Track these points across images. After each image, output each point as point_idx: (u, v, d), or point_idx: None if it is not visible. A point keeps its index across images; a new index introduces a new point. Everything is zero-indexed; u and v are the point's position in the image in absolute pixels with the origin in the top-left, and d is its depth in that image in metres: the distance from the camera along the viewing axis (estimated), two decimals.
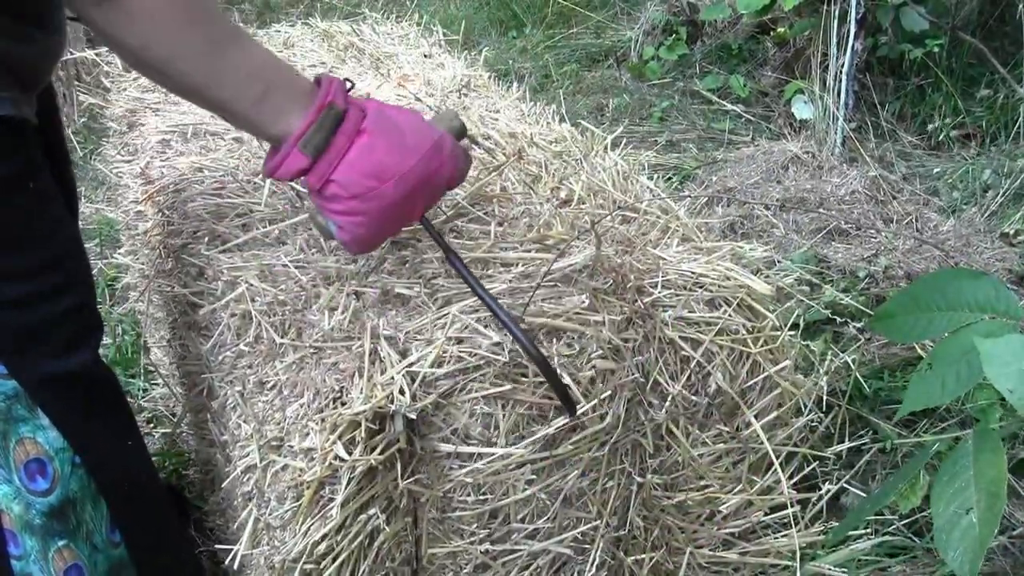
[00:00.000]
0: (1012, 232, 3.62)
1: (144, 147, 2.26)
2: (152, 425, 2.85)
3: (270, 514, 1.50)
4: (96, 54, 2.97)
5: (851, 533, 2.15)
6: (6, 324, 1.59)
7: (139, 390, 2.98)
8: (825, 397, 2.38)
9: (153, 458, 2.64)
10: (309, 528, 1.45)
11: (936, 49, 4.52)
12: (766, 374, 1.73)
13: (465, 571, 1.65)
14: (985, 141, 4.40)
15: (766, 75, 5.09)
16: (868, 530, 2.21)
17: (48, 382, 1.66)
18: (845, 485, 2.33)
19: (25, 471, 1.68)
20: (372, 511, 1.49)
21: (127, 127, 2.52)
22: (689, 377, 1.67)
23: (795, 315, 1.83)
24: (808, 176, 4.02)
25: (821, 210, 3.75)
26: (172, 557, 1.96)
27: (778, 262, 3.26)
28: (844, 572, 2.07)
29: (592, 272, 1.64)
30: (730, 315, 1.67)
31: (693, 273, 1.69)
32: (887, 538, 2.21)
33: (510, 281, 1.59)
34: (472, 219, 1.80)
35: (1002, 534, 2.22)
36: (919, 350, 2.81)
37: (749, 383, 1.73)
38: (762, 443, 1.75)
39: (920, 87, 4.65)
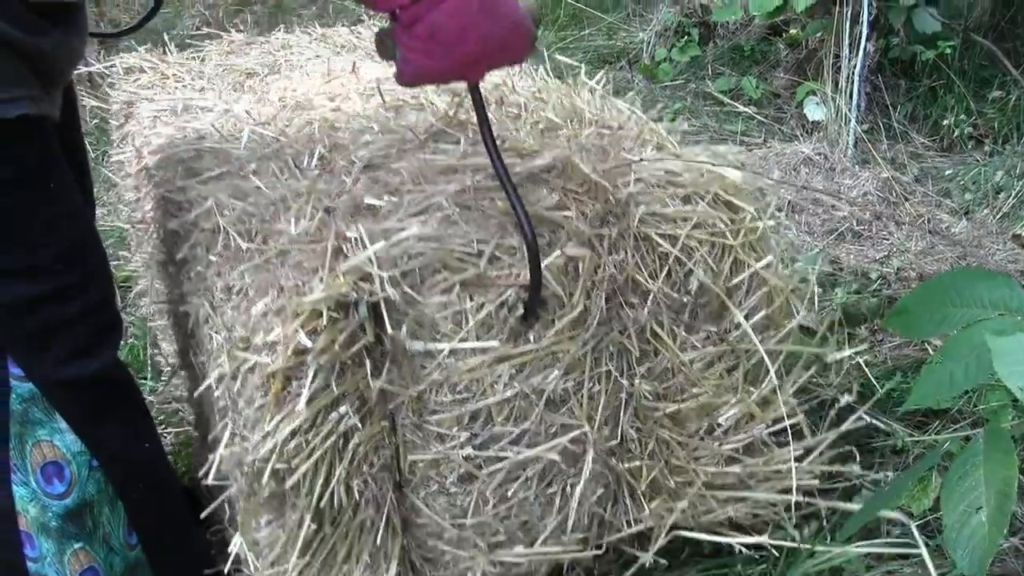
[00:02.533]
0: None
1: (139, 131, 2.28)
2: (164, 426, 2.85)
3: (244, 424, 1.49)
4: (104, 67, 3.00)
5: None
6: (23, 325, 1.60)
7: (147, 388, 2.98)
8: (835, 398, 2.38)
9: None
10: (278, 424, 1.43)
11: (948, 51, 4.51)
12: (751, 271, 1.71)
13: (450, 481, 1.62)
14: (997, 142, 4.39)
15: (778, 77, 5.08)
16: (880, 530, 2.21)
17: (65, 385, 1.66)
18: (858, 483, 2.33)
19: (42, 474, 1.69)
20: (343, 409, 1.47)
21: (124, 118, 2.55)
22: (669, 274, 1.65)
23: (772, 208, 1.81)
24: (820, 177, 4.01)
25: (833, 211, 3.75)
26: (188, 558, 1.96)
27: (792, 261, 3.26)
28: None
29: (563, 173, 1.64)
30: (706, 209, 1.66)
31: (667, 171, 1.68)
32: (898, 539, 2.21)
33: (478, 181, 1.60)
34: (450, 139, 1.81)
35: (1013, 535, 2.20)
36: (931, 351, 2.81)
37: (734, 281, 1.71)
38: (754, 346, 1.72)
39: (932, 89, 4.64)
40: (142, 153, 2.14)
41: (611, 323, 1.64)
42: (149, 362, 3.09)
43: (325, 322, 1.40)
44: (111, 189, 4.22)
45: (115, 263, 3.67)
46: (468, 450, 1.59)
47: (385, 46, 1.46)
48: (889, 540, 2.17)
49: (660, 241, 1.62)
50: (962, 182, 4.10)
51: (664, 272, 1.64)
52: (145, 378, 3.04)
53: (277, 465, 1.44)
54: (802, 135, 4.50)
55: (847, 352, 2.20)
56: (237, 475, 1.55)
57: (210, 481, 1.55)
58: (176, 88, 2.55)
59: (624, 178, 1.66)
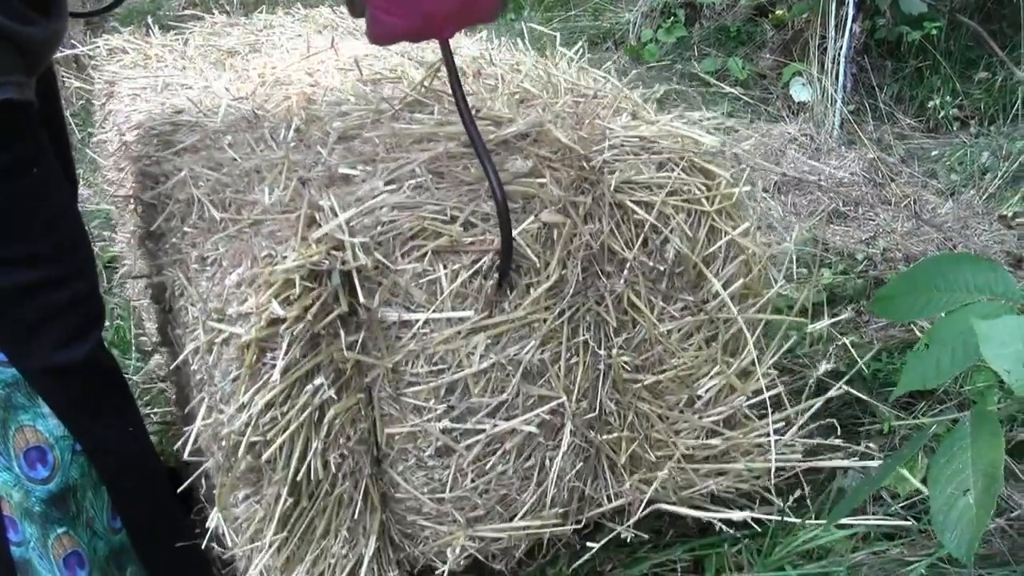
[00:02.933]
0: (1010, 214, 3.60)
1: (120, 110, 2.27)
2: (151, 407, 2.84)
3: (219, 398, 1.48)
4: (89, 50, 2.99)
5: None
6: (7, 313, 1.59)
7: (132, 367, 2.97)
8: (820, 379, 2.37)
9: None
10: (253, 396, 1.42)
11: (934, 32, 4.51)
12: (728, 238, 1.70)
13: (427, 454, 1.61)
14: (983, 123, 4.39)
15: (764, 58, 5.07)
16: (865, 511, 2.20)
17: (54, 372, 1.65)
18: (845, 464, 2.32)
19: (25, 459, 1.68)
20: (318, 381, 1.46)
21: (106, 98, 2.54)
22: (645, 243, 1.64)
23: (747, 175, 1.81)
24: (806, 158, 4.01)
25: (819, 192, 3.74)
26: (172, 542, 1.96)
27: (777, 244, 3.25)
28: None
29: (536, 141, 1.63)
30: (681, 176, 1.65)
31: (641, 138, 1.67)
32: (885, 520, 2.21)
33: (451, 148, 1.58)
34: (422, 110, 1.80)
35: (1000, 516, 2.20)
36: (917, 332, 2.80)
37: (711, 250, 1.70)
38: (733, 316, 1.71)
39: (918, 70, 4.64)
40: (122, 130, 2.13)
41: (587, 292, 1.63)
42: (134, 343, 3.08)
43: (298, 291, 1.39)
44: (96, 171, 4.22)
45: (101, 243, 3.66)
46: (445, 422, 1.58)
47: (354, 3, 1.44)
48: (876, 521, 2.17)
49: (635, 208, 1.61)
50: (948, 163, 4.09)
51: (640, 240, 1.63)
52: (130, 359, 3.03)
53: (253, 438, 1.44)
54: (788, 116, 4.50)
55: (827, 322, 2.19)
56: (214, 449, 1.54)
57: (187, 456, 1.54)
58: (158, 68, 2.55)
59: (598, 144, 1.65)
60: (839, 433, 2.07)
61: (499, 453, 1.64)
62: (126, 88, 2.36)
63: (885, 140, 4.28)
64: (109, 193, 2.66)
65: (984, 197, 3.74)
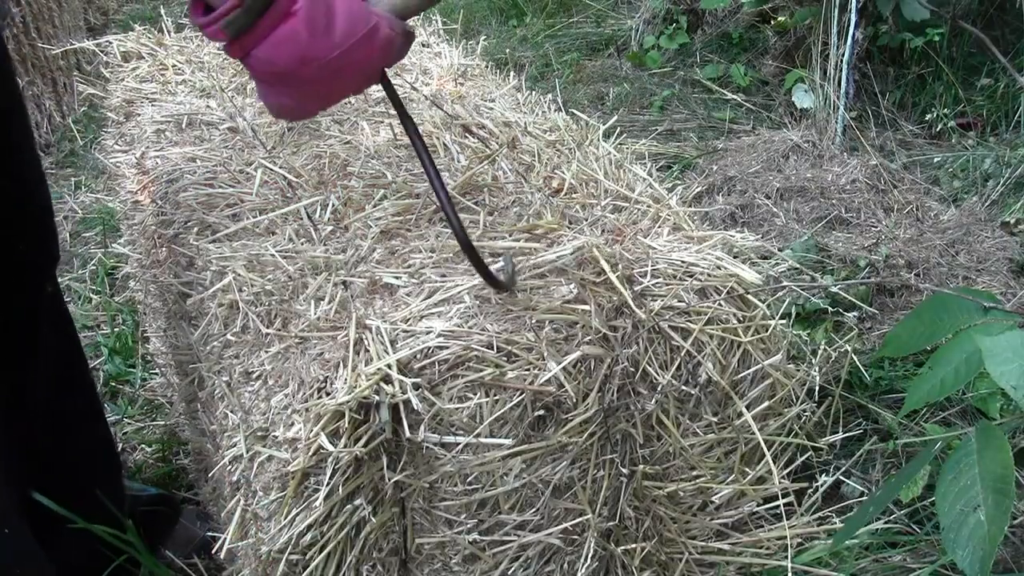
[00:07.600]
0: (1013, 221, 3.60)
1: (140, 137, 2.25)
2: (152, 417, 2.85)
3: (257, 504, 1.50)
4: (96, 44, 2.97)
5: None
6: None
7: (138, 379, 2.97)
8: (822, 386, 2.37)
9: (152, 446, 2.64)
10: (295, 518, 1.45)
11: (937, 38, 4.50)
12: (758, 366, 1.72)
13: (454, 561, 1.64)
14: (986, 130, 4.38)
15: (767, 64, 5.07)
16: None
17: None
18: (842, 478, 2.33)
19: None
20: (358, 502, 1.49)
21: (124, 117, 2.51)
22: (679, 367, 1.66)
23: (786, 304, 1.82)
24: (809, 165, 4.00)
25: (822, 199, 3.74)
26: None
27: (777, 251, 3.25)
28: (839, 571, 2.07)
29: (580, 262, 1.63)
30: (720, 304, 1.66)
31: (683, 262, 1.68)
32: (888, 527, 2.21)
33: (498, 272, 1.58)
34: (462, 208, 1.80)
35: None
36: None
37: (741, 375, 1.72)
38: (754, 433, 1.74)
39: (921, 76, 4.64)
40: (144, 167, 2.12)
41: (619, 413, 1.66)
42: (139, 347, 3.08)
43: (347, 423, 1.41)
44: (99, 176, 4.22)
45: (102, 250, 3.67)
46: (474, 535, 1.62)
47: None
48: (880, 527, 2.17)
49: (672, 334, 1.64)
50: (951, 169, 4.10)
51: (675, 365, 1.66)
52: (133, 367, 3.03)
53: (292, 556, 1.48)
54: (790, 122, 4.50)
55: (839, 436, 2.24)
56: (250, 557, 1.57)
57: (222, 555, 1.59)
58: (178, 85, 2.52)
59: (640, 267, 1.67)
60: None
61: (521, 559, 1.69)
62: (147, 116, 2.33)
63: (887, 147, 4.29)
64: (123, 210, 2.62)
65: (987, 204, 3.75)
